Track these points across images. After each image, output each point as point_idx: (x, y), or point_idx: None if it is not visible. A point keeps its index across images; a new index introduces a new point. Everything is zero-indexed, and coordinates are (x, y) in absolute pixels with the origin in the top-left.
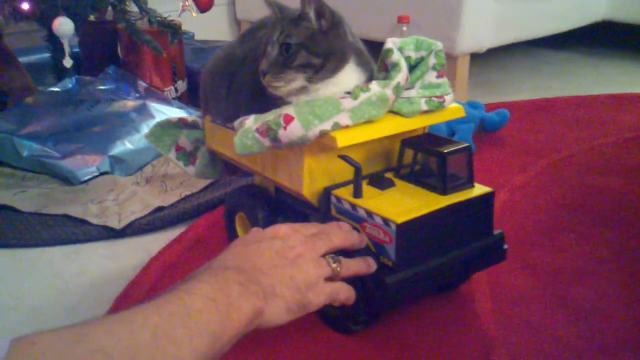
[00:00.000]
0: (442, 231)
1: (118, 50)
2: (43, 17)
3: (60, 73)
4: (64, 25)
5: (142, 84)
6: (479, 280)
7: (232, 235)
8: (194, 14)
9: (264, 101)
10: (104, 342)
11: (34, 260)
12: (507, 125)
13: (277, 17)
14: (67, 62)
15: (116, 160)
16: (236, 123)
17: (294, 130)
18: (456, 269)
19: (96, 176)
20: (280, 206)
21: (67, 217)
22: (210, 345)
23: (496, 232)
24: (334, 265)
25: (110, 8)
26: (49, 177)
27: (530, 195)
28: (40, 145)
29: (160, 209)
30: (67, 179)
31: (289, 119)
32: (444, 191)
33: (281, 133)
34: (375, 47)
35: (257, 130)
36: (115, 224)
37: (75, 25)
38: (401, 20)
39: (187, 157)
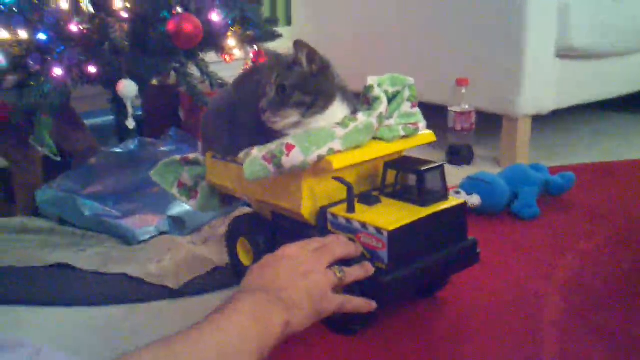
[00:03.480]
0: (425, 237)
1: (179, 113)
2: (108, 80)
3: (123, 135)
4: (127, 88)
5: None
6: (551, 347)
7: (233, 259)
8: None
9: (264, 135)
10: (193, 357)
11: (92, 320)
12: (573, 189)
13: (273, 62)
14: (130, 124)
15: (174, 220)
16: (242, 154)
17: (296, 157)
18: (439, 270)
19: (155, 236)
20: (278, 229)
21: (125, 276)
22: (257, 354)
23: (470, 238)
24: (339, 275)
25: (172, 72)
26: (109, 237)
27: (600, 260)
28: (101, 204)
29: (217, 269)
30: (126, 238)
31: (290, 147)
32: (423, 203)
33: (284, 159)
34: (437, 110)
35: (263, 158)
36: (173, 283)
37: (138, 89)
38: (460, 82)
39: (188, 192)
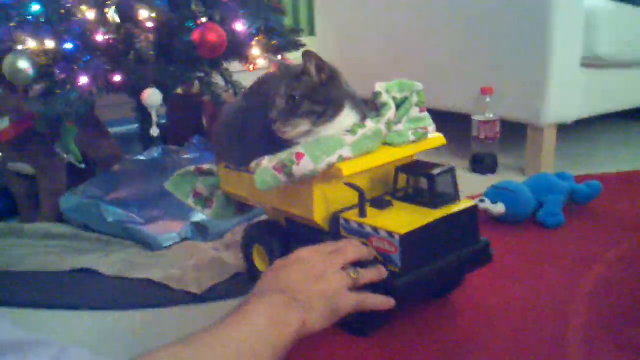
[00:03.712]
0: (437, 239)
1: (203, 121)
2: (133, 88)
3: (147, 142)
4: (152, 96)
5: None
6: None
7: (249, 265)
8: None
9: (274, 144)
10: (211, 357)
11: (115, 323)
12: (599, 198)
13: (282, 73)
14: (154, 132)
15: (197, 227)
16: (252, 164)
17: (306, 165)
18: (452, 271)
19: (177, 242)
20: (292, 235)
21: (148, 281)
22: (273, 354)
23: (482, 239)
24: (353, 276)
25: (196, 81)
26: (132, 242)
27: (627, 270)
28: (124, 211)
29: (239, 274)
30: (149, 244)
31: (300, 156)
32: (434, 205)
33: (294, 168)
34: (461, 119)
35: (274, 167)
36: (195, 289)
37: (162, 97)
38: (484, 91)
39: (204, 201)
